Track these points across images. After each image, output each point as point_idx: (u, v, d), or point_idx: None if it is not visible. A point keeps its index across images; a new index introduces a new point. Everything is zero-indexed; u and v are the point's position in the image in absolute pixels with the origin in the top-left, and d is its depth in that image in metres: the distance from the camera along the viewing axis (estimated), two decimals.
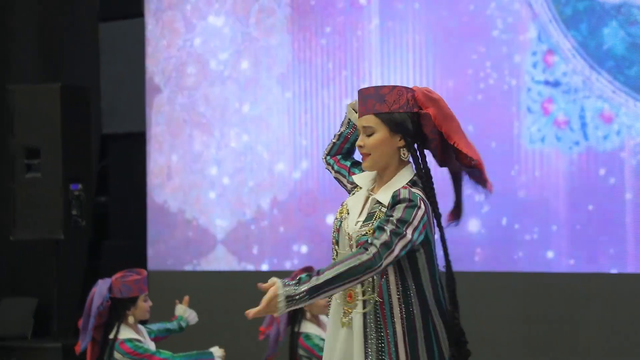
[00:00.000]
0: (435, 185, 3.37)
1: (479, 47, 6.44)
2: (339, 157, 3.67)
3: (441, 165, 3.46)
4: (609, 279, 6.05)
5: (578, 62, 6.07)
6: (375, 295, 3.31)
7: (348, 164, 3.63)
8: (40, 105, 7.49)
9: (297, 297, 3.14)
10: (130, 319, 5.08)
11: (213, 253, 7.52)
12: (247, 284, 6.77)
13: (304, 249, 7.11)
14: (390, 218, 3.23)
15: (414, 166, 3.41)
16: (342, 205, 3.51)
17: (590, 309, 6.11)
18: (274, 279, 3.18)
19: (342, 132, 3.64)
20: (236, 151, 7.45)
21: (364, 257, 3.18)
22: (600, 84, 5.98)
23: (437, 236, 3.36)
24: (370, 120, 3.36)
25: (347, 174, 3.62)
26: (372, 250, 3.19)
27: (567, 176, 6.13)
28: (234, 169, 7.45)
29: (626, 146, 5.93)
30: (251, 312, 3.18)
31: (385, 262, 3.20)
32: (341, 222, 3.44)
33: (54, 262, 7.58)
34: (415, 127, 3.37)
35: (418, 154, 3.39)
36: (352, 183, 3.57)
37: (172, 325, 5.44)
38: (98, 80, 8.28)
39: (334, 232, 3.46)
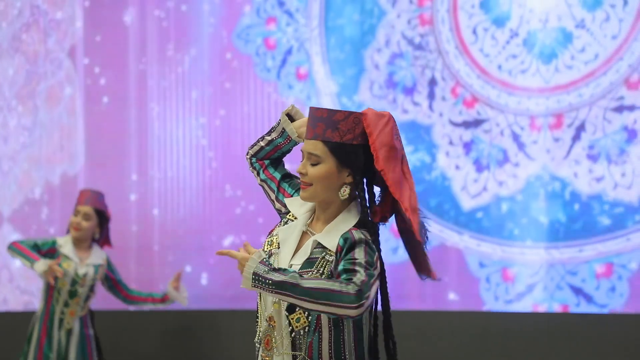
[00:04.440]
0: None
1: None
2: (266, 162, 3.20)
3: (389, 214, 2.97)
4: None
5: None
6: (304, 353, 2.89)
7: (278, 176, 3.18)
8: None
9: (263, 280, 2.77)
10: None
11: None
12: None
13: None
14: (356, 261, 2.80)
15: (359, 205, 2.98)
16: (271, 234, 3.07)
17: None
18: (257, 252, 2.83)
19: (273, 139, 3.16)
20: (25, 126, 7.20)
21: (350, 288, 2.73)
22: None
23: None
24: (317, 147, 2.92)
25: (276, 189, 3.17)
26: (354, 287, 2.73)
27: None
28: (22, 144, 7.20)
29: None
30: (227, 252, 2.84)
31: (365, 305, 2.74)
32: (270, 255, 3.00)
33: None
34: (367, 162, 2.92)
35: (366, 194, 2.95)
36: (284, 205, 3.13)
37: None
38: None
39: None
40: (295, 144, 3.17)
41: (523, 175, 5.97)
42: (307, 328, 2.89)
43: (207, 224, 6.71)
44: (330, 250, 2.90)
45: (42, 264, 5.43)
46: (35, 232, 7.07)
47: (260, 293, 2.95)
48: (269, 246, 3.01)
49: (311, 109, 2.97)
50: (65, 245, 5.65)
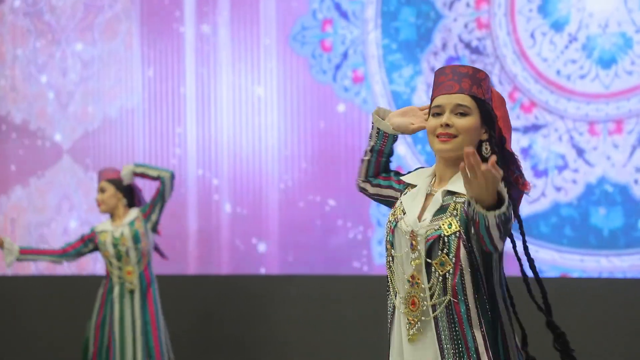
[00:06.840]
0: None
1: None
2: (371, 179, 3.26)
3: None
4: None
5: None
6: (449, 296, 2.92)
7: (390, 174, 3.25)
8: None
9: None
10: None
11: (59, 163, 7.42)
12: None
13: (152, 155, 6.91)
14: None
15: None
16: (394, 207, 3.11)
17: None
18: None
19: (373, 146, 3.24)
20: (83, 59, 7.34)
21: None
22: None
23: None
24: (465, 100, 3.01)
25: (392, 182, 3.22)
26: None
27: None
28: (80, 77, 7.32)
29: None
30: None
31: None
32: (397, 222, 3.03)
33: None
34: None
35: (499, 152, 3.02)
36: (402, 182, 3.19)
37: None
38: None
39: (388, 234, 3.06)
40: (395, 139, 3.22)
41: (582, 182, 5.93)
42: (450, 270, 2.94)
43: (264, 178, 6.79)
44: (459, 194, 2.96)
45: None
46: (94, 164, 7.23)
47: (391, 256, 3.02)
48: (392, 216, 3.07)
49: (452, 66, 3.07)
50: (101, 225, 5.99)
